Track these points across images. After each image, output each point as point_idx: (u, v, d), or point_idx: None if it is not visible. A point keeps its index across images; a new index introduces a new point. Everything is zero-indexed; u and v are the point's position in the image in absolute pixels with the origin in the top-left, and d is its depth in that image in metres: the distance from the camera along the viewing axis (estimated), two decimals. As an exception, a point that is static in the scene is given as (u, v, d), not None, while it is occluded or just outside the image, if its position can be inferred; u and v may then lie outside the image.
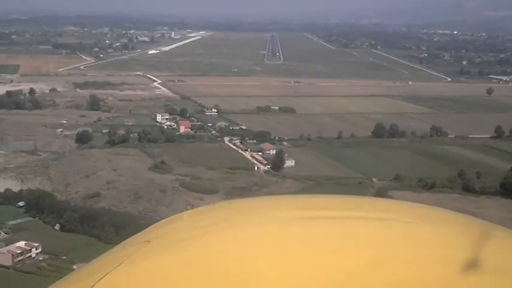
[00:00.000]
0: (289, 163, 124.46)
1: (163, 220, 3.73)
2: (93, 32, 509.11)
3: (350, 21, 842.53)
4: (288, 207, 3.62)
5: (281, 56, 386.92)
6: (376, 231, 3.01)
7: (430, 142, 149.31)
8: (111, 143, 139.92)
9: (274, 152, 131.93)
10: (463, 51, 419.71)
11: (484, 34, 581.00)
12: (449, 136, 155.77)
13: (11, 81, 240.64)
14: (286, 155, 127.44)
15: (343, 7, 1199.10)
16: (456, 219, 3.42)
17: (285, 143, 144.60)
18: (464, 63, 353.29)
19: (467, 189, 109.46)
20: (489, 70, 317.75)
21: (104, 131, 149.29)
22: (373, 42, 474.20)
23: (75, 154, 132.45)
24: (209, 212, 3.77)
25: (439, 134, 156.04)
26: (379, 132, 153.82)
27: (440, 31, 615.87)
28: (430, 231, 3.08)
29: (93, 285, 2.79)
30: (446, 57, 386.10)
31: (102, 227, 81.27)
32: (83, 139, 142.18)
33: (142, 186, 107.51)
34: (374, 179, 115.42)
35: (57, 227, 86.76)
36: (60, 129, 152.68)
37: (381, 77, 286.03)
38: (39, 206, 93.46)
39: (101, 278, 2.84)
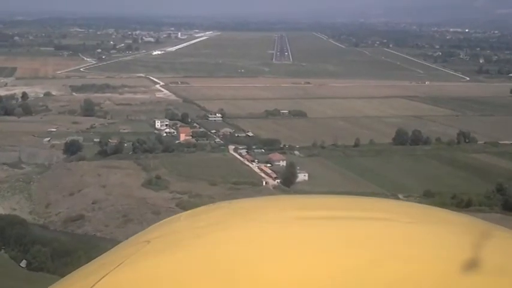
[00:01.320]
0: (301, 177, 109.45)
1: (164, 220, 3.80)
2: (98, 33, 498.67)
3: (358, 20, 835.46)
4: (288, 207, 3.67)
5: (290, 55, 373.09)
6: (376, 231, 3.03)
7: (458, 150, 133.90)
8: (103, 153, 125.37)
9: (284, 163, 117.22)
10: (478, 49, 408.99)
11: (496, 32, 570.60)
12: (478, 142, 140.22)
13: (5, 85, 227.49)
14: (298, 167, 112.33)
15: (351, 5, 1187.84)
16: (456, 219, 3.42)
17: (296, 152, 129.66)
18: (481, 61, 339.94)
19: (509, 207, 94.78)
20: (509, 68, 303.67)
21: (95, 139, 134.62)
22: (384, 40, 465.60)
23: (60, 167, 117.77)
24: (209, 212, 3.77)
25: (467, 140, 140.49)
26: (400, 138, 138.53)
27: (451, 29, 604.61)
28: (430, 231, 3.09)
29: (93, 285, 2.81)
30: (461, 56, 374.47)
31: (78, 264, 66.33)
32: (71, 149, 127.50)
33: (133, 207, 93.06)
34: (400, 196, 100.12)
35: (23, 263, 72.12)
36: (48, 138, 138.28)
37: (396, 76, 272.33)
38: (5, 235, 78.45)
39: (101, 278, 2.86)
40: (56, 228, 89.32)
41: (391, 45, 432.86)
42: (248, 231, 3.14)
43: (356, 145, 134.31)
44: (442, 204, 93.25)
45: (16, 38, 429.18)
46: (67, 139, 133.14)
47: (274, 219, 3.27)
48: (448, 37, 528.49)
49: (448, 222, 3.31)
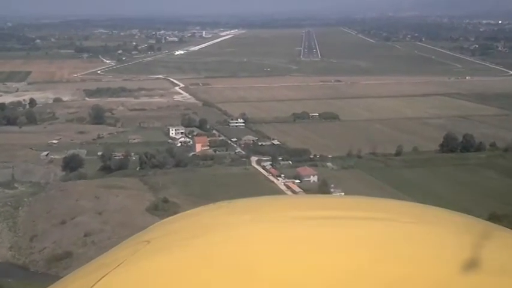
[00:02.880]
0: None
1: (163, 220, 3.78)
2: (122, 34, 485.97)
3: (387, 14, 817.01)
4: (288, 207, 3.71)
5: (318, 52, 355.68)
6: (377, 231, 3.03)
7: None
8: (106, 169, 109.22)
9: (315, 178, 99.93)
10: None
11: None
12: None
13: (16, 90, 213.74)
14: (332, 184, 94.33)
15: None
16: (456, 219, 3.42)
17: (328, 163, 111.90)
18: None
19: None
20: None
21: (100, 153, 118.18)
22: (416, 34, 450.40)
23: (55, 188, 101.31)
24: (209, 212, 3.78)
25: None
26: (449, 144, 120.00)
27: (484, 21, 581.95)
28: (430, 231, 3.09)
29: (93, 285, 2.81)
30: (499, 48, 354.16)
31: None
32: (71, 165, 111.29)
33: (133, 240, 76.30)
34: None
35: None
36: (46, 152, 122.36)
37: (432, 72, 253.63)
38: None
39: (101, 278, 2.85)
40: (38, 269, 73.23)
41: (423, 39, 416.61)
42: (248, 231, 3.12)
43: (398, 153, 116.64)
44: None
45: (37, 40, 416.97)
46: (67, 153, 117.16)
47: (274, 219, 3.26)
48: (481, 29, 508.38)
49: (448, 222, 3.29)
